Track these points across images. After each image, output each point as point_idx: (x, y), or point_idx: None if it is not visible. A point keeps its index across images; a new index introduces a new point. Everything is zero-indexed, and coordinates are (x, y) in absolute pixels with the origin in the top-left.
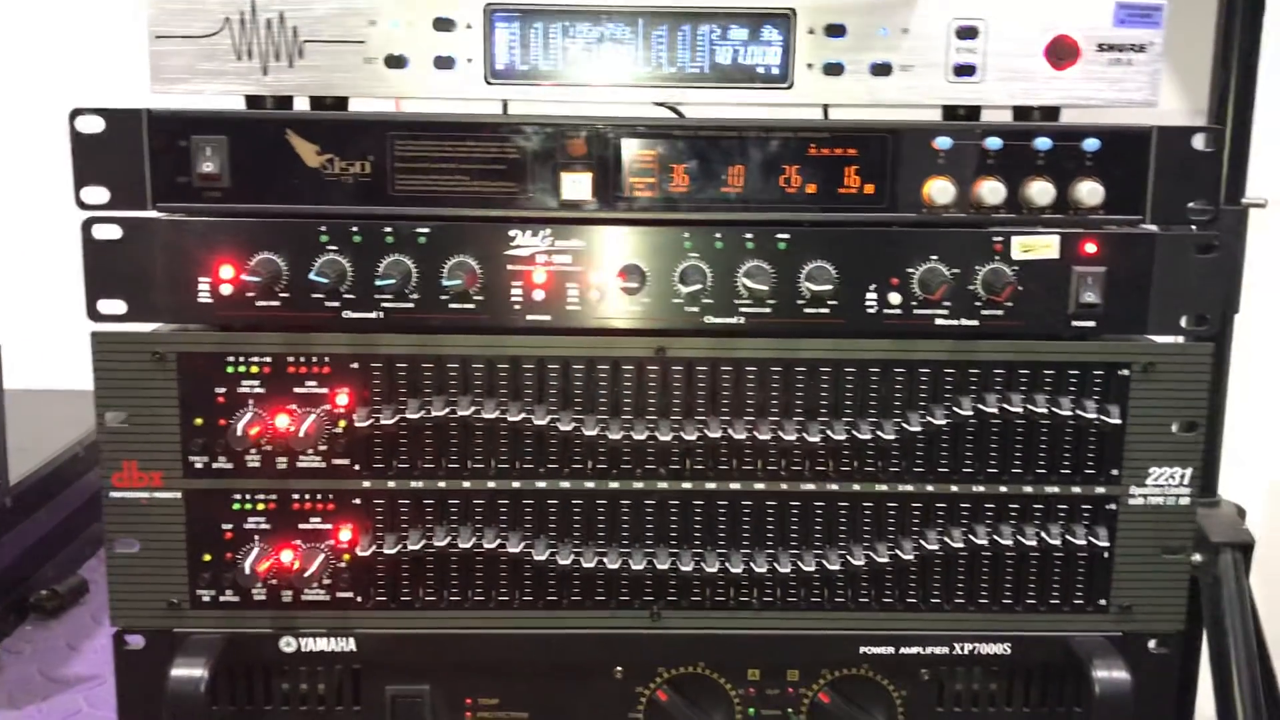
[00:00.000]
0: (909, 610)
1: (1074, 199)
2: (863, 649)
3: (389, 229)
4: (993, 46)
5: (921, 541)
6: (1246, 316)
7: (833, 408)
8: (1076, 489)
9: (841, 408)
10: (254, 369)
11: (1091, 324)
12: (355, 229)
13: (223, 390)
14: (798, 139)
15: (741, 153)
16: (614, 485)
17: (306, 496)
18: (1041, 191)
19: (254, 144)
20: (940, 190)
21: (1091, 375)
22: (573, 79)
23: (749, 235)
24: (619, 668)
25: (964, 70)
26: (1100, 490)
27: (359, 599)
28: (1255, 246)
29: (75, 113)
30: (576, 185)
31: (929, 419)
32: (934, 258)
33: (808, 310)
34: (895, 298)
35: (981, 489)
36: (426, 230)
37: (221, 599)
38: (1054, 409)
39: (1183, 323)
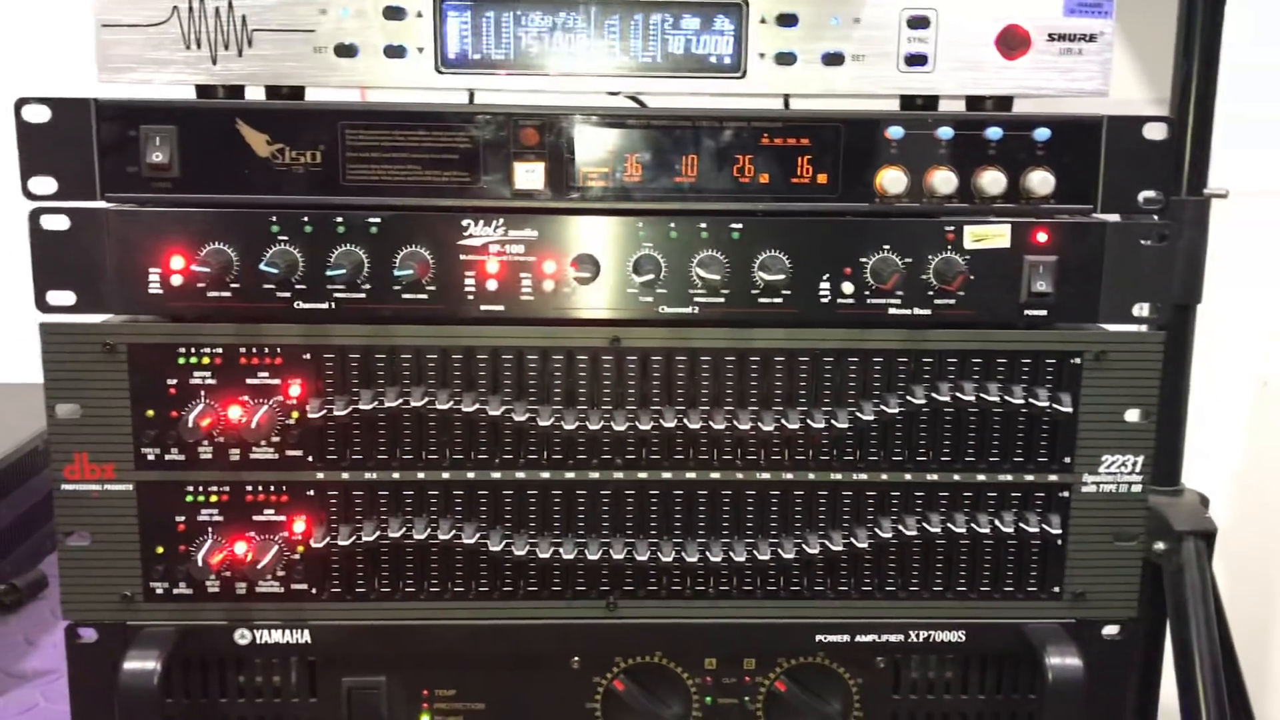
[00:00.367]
0: (864, 598)
1: (1025, 188)
2: (819, 637)
3: (340, 219)
4: (944, 36)
5: (876, 530)
6: (1209, 307)
7: (787, 397)
8: (1030, 477)
9: (796, 397)
10: (205, 360)
11: (1043, 313)
12: (306, 219)
13: (174, 381)
14: (751, 129)
15: (695, 142)
16: (569, 475)
17: (260, 488)
18: (993, 181)
19: (204, 134)
20: (893, 180)
21: (1044, 364)
22: (525, 68)
23: (703, 225)
24: (576, 658)
25: (916, 60)
26: (1053, 478)
27: (314, 591)
28: (1218, 237)
29: (21, 102)
30: (529, 175)
31: (882, 408)
32: (886, 247)
33: (761, 300)
34: (848, 287)
35: (935, 477)
36: (378, 220)
37: (175, 592)
38: (1007, 397)
39: (1134, 311)
